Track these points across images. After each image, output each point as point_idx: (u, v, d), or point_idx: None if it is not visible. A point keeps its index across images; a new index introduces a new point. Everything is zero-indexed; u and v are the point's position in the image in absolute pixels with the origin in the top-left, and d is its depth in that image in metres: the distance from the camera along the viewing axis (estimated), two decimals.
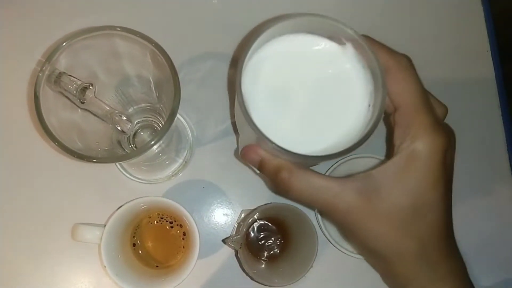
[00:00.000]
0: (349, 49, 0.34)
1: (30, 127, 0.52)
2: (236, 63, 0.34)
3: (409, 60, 0.36)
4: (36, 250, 0.51)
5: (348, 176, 0.35)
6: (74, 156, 0.35)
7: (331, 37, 0.35)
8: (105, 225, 0.43)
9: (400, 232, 0.34)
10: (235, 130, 0.55)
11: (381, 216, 0.34)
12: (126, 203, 0.44)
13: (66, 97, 0.38)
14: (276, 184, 0.36)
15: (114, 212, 0.44)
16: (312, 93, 0.35)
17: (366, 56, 0.33)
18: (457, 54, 0.59)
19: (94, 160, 0.35)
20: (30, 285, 0.51)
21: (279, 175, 0.35)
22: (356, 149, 0.31)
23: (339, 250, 0.50)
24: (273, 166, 0.35)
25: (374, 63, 0.32)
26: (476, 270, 0.54)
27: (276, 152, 0.32)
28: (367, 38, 0.35)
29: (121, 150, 0.48)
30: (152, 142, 0.34)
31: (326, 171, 0.51)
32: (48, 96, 0.35)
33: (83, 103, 0.38)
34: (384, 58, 0.34)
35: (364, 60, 0.34)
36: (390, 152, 0.36)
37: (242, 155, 0.38)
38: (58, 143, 0.34)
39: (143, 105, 0.50)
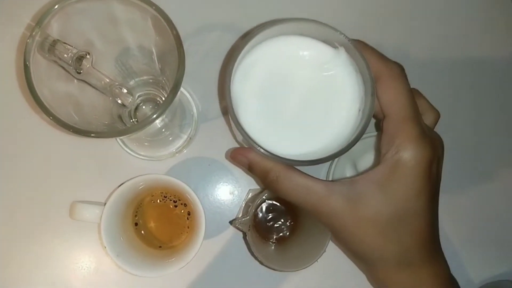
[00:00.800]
0: (342, 53, 0.34)
1: (20, 100, 0.49)
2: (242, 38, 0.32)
3: (401, 68, 0.36)
4: (32, 229, 0.49)
5: (335, 181, 0.37)
6: (70, 131, 0.32)
7: (324, 40, 0.35)
8: (105, 204, 0.41)
9: (383, 237, 0.35)
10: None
11: (365, 221, 0.35)
12: (128, 180, 0.42)
13: (61, 66, 0.36)
14: (265, 185, 0.37)
15: (114, 190, 0.41)
16: (303, 96, 0.35)
17: (358, 61, 0.33)
18: (485, 32, 0.56)
19: (93, 135, 0.33)
20: (27, 265, 0.49)
21: (268, 176, 0.36)
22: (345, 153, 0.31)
23: None
24: (262, 168, 0.36)
25: (365, 69, 0.33)
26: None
27: (265, 156, 0.32)
28: (360, 43, 0.35)
29: (122, 124, 0.46)
30: (154, 116, 0.32)
31: None
32: (40, 65, 0.32)
33: (79, 73, 0.36)
34: (376, 65, 0.35)
35: (356, 64, 0.34)
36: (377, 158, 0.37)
37: (231, 157, 0.38)
38: (52, 117, 0.32)
39: (145, 77, 0.47)
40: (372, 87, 0.32)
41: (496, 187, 0.54)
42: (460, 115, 0.55)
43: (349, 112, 0.34)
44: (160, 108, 0.32)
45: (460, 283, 0.40)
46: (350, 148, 0.31)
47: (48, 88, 0.33)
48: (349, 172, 0.50)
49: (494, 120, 0.56)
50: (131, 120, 0.48)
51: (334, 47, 0.35)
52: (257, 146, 0.31)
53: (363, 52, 0.33)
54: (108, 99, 0.40)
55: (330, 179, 0.49)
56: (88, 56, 0.36)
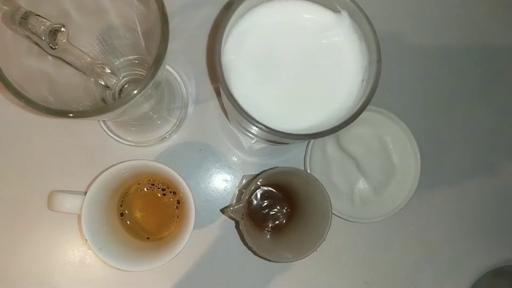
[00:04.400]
0: (345, 17, 0.32)
1: None
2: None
3: None
4: (8, 223, 0.46)
5: None
6: (42, 112, 0.29)
7: (325, 4, 0.32)
8: (85, 193, 0.38)
9: None
10: None
11: None
12: (110, 167, 0.38)
13: (35, 42, 0.33)
14: None
15: (95, 178, 0.38)
16: (302, 66, 0.32)
17: (363, 26, 0.31)
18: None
19: (71, 115, 0.29)
20: (5, 262, 0.46)
21: None
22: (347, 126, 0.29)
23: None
24: None
25: (370, 35, 0.30)
26: None
27: (261, 131, 0.29)
28: None
29: None
30: (135, 92, 0.29)
31: None
32: (5, 38, 0.29)
33: (54, 49, 0.32)
34: None
35: (361, 30, 0.31)
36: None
37: None
38: (22, 97, 0.28)
39: (130, 57, 0.44)
40: (378, 54, 0.30)
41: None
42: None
43: (352, 83, 0.32)
44: (142, 83, 0.28)
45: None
46: (353, 120, 0.29)
47: (16, 64, 0.30)
48: (330, 147, 0.48)
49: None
50: None
51: (336, 11, 0.32)
52: (252, 120, 0.28)
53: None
54: (90, 79, 0.37)
55: (309, 152, 0.47)
56: (63, 30, 0.32)
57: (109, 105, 0.30)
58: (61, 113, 0.29)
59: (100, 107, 0.30)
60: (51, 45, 0.32)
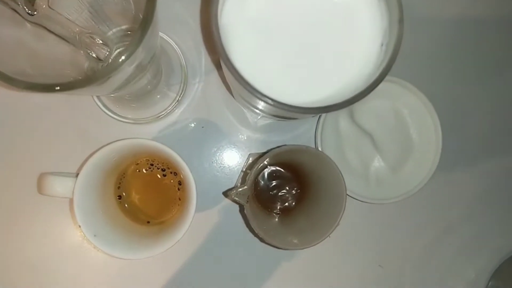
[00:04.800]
0: None
1: None
2: None
3: None
4: None
5: None
6: (22, 88, 0.26)
7: None
8: (77, 175, 0.35)
9: None
10: None
11: None
12: (104, 146, 0.35)
13: (13, 9, 0.29)
14: None
15: (88, 158, 0.35)
16: (312, 30, 0.29)
17: None
18: None
19: (57, 88, 0.26)
20: None
21: None
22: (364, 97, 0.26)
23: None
24: None
25: None
26: None
27: (266, 105, 0.26)
28: None
29: None
30: (123, 58, 0.25)
31: None
32: None
33: (32, 15, 0.29)
34: None
35: None
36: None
37: None
38: None
39: (124, 27, 0.41)
40: (400, 13, 0.26)
41: None
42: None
43: (369, 48, 0.28)
44: (129, 49, 0.25)
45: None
46: (372, 90, 0.25)
47: None
48: (343, 122, 0.45)
49: None
50: None
51: None
52: (256, 92, 0.25)
53: None
54: (79, 51, 0.34)
55: (320, 127, 0.44)
56: None
57: (95, 73, 0.27)
58: (46, 88, 0.26)
59: (86, 77, 0.27)
60: (28, 11, 0.29)
